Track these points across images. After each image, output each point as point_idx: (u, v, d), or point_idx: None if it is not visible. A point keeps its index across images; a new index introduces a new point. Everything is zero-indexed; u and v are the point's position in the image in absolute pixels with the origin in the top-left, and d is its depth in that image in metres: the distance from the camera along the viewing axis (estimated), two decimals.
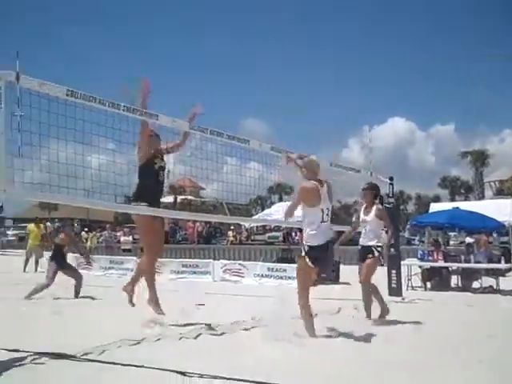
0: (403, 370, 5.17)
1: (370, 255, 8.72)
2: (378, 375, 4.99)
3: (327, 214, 6.75)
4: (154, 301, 8.01)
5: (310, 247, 6.68)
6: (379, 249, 8.76)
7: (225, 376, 4.73)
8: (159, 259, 9.54)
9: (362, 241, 8.97)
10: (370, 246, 8.80)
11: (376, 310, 8.65)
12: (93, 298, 11.35)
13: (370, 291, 8.77)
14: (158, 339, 6.55)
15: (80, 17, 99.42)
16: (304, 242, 6.86)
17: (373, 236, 8.81)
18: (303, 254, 6.77)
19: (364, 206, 9.19)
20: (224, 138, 8.68)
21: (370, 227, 8.91)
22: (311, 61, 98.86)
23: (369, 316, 8.64)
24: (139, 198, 7.73)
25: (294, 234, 33.57)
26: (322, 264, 6.93)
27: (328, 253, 6.87)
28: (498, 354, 5.96)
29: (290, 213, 7.04)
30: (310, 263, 6.71)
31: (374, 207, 9.00)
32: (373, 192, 9.15)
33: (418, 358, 5.71)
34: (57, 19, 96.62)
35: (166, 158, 8.26)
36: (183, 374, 4.80)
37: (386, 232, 9.45)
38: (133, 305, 8.01)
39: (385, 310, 8.73)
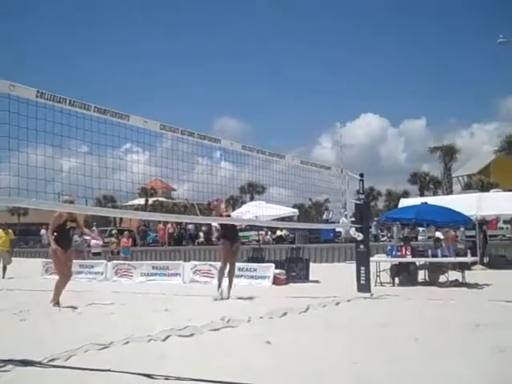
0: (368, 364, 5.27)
1: None
2: (345, 371, 5.05)
3: None
4: None
5: None
6: None
7: (192, 377, 4.75)
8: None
9: None
10: None
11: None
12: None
13: None
14: (127, 342, 6.52)
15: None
16: None
17: None
18: None
19: None
20: (195, 137, 8.70)
21: None
22: (283, 56, 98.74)
23: None
24: None
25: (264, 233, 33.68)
26: None
27: None
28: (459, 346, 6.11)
29: None
30: None
31: None
32: None
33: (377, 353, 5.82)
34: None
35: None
36: (149, 376, 4.81)
37: None
38: None
39: None
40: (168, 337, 6.83)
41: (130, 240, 27.69)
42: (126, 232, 28.82)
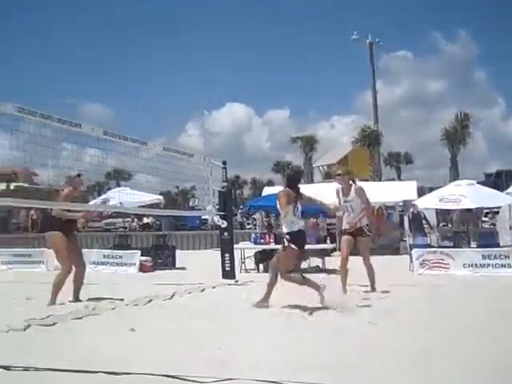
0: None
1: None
2: (209, 357, 5.20)
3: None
4: None
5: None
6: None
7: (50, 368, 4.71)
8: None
9: None
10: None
11: None
12: None
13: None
14: None
15: None
16: None
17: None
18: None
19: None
20: (55, 122, 8.47)
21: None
22: (149, 43, 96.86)
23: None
24: None
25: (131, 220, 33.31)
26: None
27: None
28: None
29: None
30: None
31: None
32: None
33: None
34: None
35: None
36: (7, 368, 4.75)
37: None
38: None
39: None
40: (28, 326, 6.67)
41: None
42: None
